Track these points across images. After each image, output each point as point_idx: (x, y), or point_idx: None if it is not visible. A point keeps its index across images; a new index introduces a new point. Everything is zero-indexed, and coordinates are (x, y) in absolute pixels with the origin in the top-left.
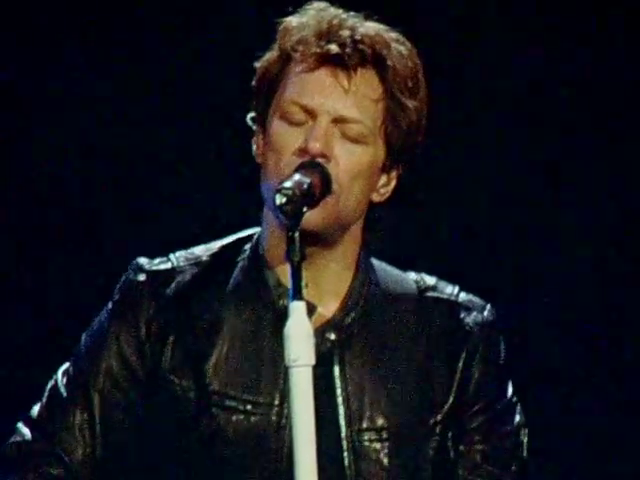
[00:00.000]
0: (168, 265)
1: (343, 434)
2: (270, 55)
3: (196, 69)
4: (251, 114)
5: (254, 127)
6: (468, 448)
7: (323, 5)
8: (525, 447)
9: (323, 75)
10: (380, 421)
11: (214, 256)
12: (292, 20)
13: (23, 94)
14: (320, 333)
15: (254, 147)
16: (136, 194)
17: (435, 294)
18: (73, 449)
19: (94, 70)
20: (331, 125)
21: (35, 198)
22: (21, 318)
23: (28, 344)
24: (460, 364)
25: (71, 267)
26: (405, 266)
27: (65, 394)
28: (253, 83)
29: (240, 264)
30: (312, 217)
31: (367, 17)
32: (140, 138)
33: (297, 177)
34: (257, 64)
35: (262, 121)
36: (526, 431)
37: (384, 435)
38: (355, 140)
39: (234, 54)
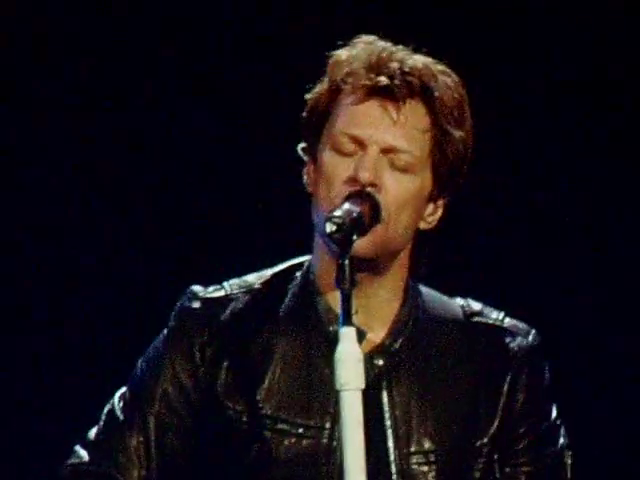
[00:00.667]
0: (222, 293)
1: (392, 457)
2: (320, 87)
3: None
4: (302, 145)
5: (305, 158)
6: (513, 470)
7: (372, 38)
8: (569, 468)
9: (372, 106)
10: (427, 444)
11: (266, 283)
12: (342, 53)
13: None
14: (369, 359)
15: (305, 177)
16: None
17: (481, 319)
18: (128, 471)
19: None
20: (380, 155)
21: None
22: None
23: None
24: (505, 388)
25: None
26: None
27: (122, 417)
28: (304, 114)
29: (291, 291)
30: (362, 244)
31: (415, 50)
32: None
33: (347, 206)
34: (308, 96)
35: (313, 151)
36: (570, 453)
37: (432, 458)
38: (403, 170)
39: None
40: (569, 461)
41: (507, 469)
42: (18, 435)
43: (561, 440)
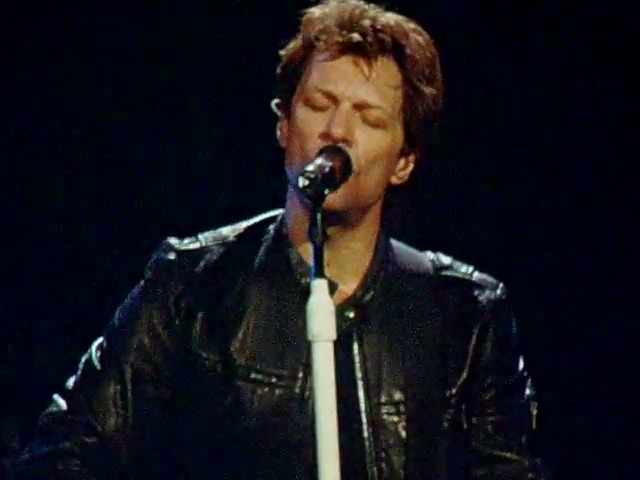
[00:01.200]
0: (197, 245)
1: (362, 407)
2: (294, 44)
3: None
4: (275, 100)
5: (278, 113)
6: (480, 419)
7: None
8: (534, 418)
9: (345, 63)
10: (397, 395)
11: (240, 236)
12: (315, 11)
13: None
14: (340, 311)
15: (278, 132)
16: (164, 172)
17: (450, 273)
18: (106, 419)
19: None
20: (352, 111)
21: None
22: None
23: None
24: (473, 340)
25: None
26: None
27: (99, 367)
28: (278, 71)
29: (265, 243)
30: (334, 198)
31: (387, 8)
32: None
33: (319, 161)
34: (281, 52)
35: (286, 107)
36: (535, 404)
37: (401, 408)
38: (375, 125)
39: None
40: (535, 411)
41: (474, 419)
42: None
43: (527, 391)
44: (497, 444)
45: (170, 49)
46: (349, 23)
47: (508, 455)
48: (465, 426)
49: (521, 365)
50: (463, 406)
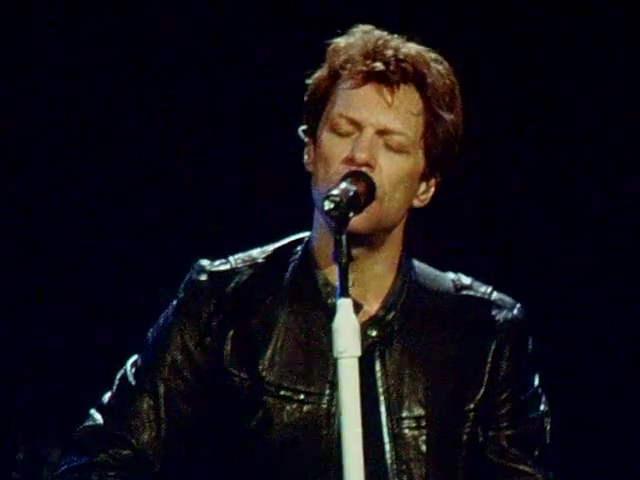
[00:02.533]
0: (227, 266)
1: (384, 422)
2: (320, 73)
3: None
4: (302, 127)
5: (305, 139)
6: (496, 434)
7: (368, 28)
8: (548, 433)
9: (369, 91)
10: (418, 410)
11: (269, 258)
12: (340, 41)
13: None
14: (363, 330)
15: (305, 157)
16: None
17: (470, 292)
18: (140, 433)
19: None
20: (375, 136)
21: None
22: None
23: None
24: (490, 357)
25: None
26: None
27: (134, 383)
28: (305, 98)
29: (292, 265)
30: (358, 221)
31: (409, 39)
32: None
33: (344, 185)
34: (308, 81)
35: (313, 133)
36: (549, 419)
37: (422, 423)
38: (397, 150)
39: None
40: (548, 427)
41: (490, 432)
42: None
43: (542, 407)
44: (512, 457)
45: (208, 67)
46: (373, 53)
47: (522, 468)
48: (481, 439)
49: (536, 382)
50: (480, 420)
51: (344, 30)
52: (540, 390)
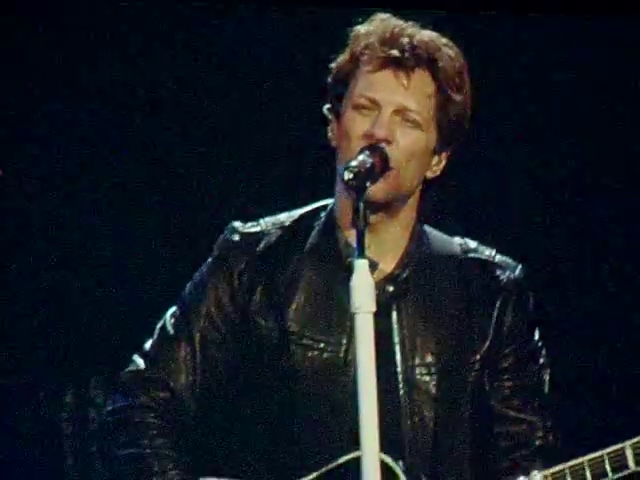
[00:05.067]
0: (258, 228)
1: (399, 369)
2: (342, 58)
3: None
4: (327, 106)
5: (329, 117)
6: (499, 384)
7: (386, 16)
8: (547, 384)
9: (387, 74)
10: (429, 358)
11: (295, 221)
12: (361, 28)
13: None
14: (381, 286)
15: (330, 133)
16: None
17: (476, 255)
18: (178, 376)
19: None
20: (393, 115)
21: None
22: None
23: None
24: (495, 312)
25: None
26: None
27: (172, 332)
28: (329, 80)
29: (316, 228)
30: (376, 190)
31: (422, 26)
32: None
33: (362, 157)
34: (332, 65)
35: (336, 111)
36: (548, 371)
37: (432, 370)
38: (413, 127)
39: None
40: (547, 378)
41: (495, 383)
42: None
43: (541, 360)
44: (513, 406)
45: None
46: (390, 40)
47: (522, 416)
48: (487, 387)
49: (537, 336)
50: (486, 370)
51: (365, 18)
52: (540, 344)
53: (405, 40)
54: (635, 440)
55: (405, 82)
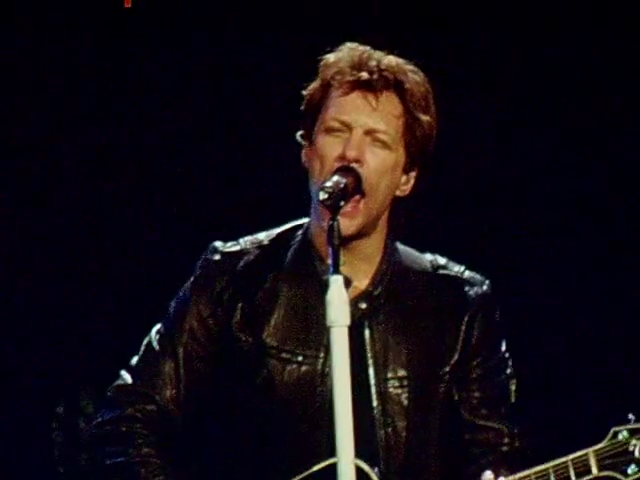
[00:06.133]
0: (237, 247)
1: (372, 382)
2: (314, 85)
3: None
4: (300, 132)
5: (302, 142)
6: (468, 394)
7: (354, 45)
8: (513, 394)
9: (356, 97)
10: (401, 372)
11: (273, 240)
12: (330, 56)
13: None
14: (354, 303)
15: (303, 157)
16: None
17: (445, 272)
18: (162, 390)
19: None
20: (363, 136)
21: None
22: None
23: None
24: (463, 327)
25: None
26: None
27: (157, 348)
28: (302, 107)
29: (293, 247)
30: (349, 226)
31: (388, 53)
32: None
33: (336, 178)
34: (304, 92)
35: (309, 136)
36: (514, 381)
37: (404, 383)
38: (382, 147)
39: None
40: (513, 388)
41: (463, 393)
42: None
43: (508, 370)
44: (480, 415)
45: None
46: (358, 65)
47: (489, 424)
48: (456, 398)
49: (503, 348)
50: (454, 382)
51: (333, 48)
52: (507, 355)
53: (373, 63)
54: (598, 447)
55: (374, 103)
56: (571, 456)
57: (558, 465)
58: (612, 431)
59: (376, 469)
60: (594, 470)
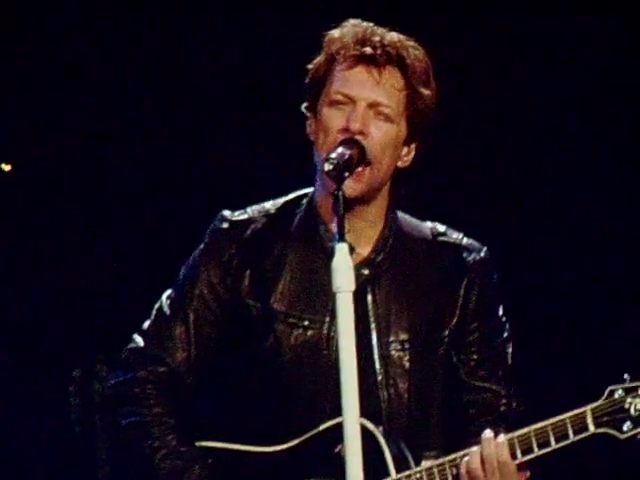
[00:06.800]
0: (245, 216)
1: (375, 345)
2: (319, 59)
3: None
4: (305, 104)
5: (307, 114)
6: (466, 357)
7: (358, 21)
8: (510, 357)
9: (360, 71)
10: (403, 335)
11: (279, 209)
12: (335, 32)
13: None
14: (357, 270)
15: (307, 129)
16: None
17: (445, 238)
18: (174, 353)
19: None
20: (367, 109)
21: None
22: None
23: None
24: (462, 291)
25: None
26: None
27: (168, 312)
28: (306, 80)
29: (299, 215)
30: (353, 189)
31: (391, 29)
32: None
33: (340, 150)
34: (309, 66)
35: (314, 108)
36: (511, 344)
37: (406, 345)
38: (385, 119)
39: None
40: (510, 350)
41: (462, 355)
42: None
43: (505, 334)
44: (478, 377)
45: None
46: (362, 40)
47: (487, 385)
48: (455, 360)
49: (500, 312)
50: (454, 344)
51: (337, 24)
52: (504, 319)
53: (376, 39)
54: (595, 405)
55: (377, 77)
56: (569, 414)
57: (556, 423)
58: (608, 390)
59: (380, 427)
60: (591, 427)
